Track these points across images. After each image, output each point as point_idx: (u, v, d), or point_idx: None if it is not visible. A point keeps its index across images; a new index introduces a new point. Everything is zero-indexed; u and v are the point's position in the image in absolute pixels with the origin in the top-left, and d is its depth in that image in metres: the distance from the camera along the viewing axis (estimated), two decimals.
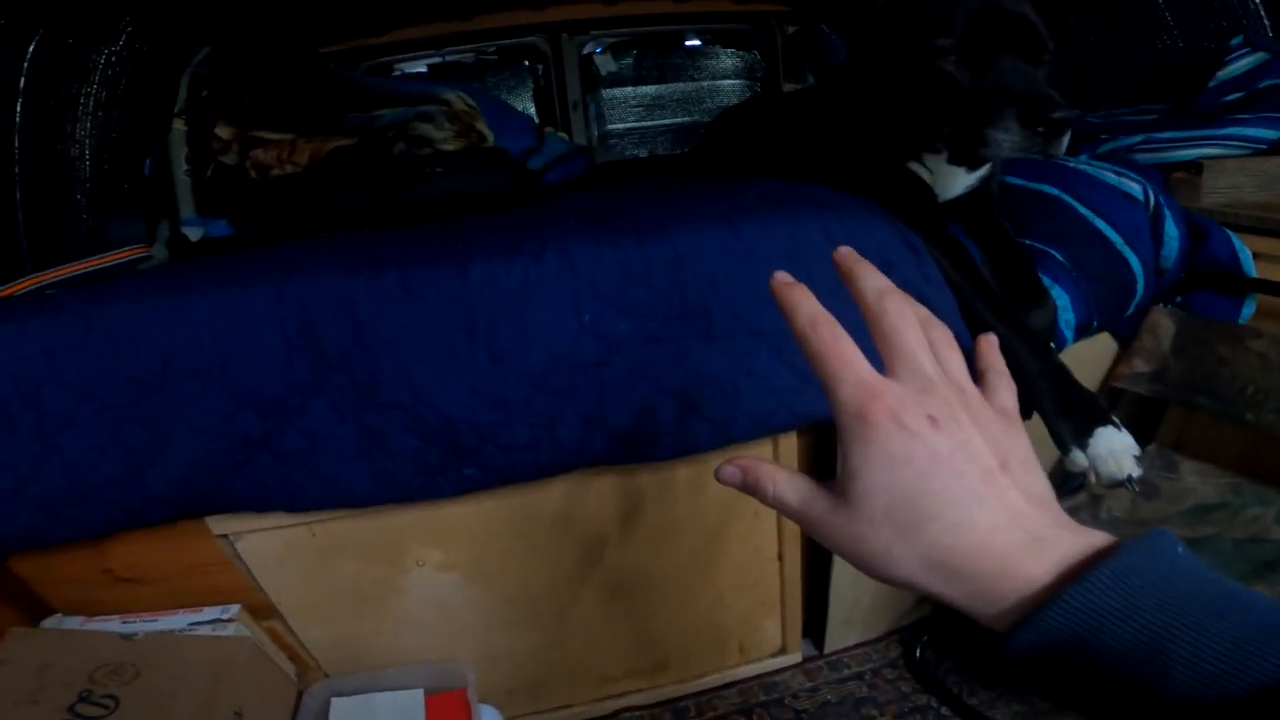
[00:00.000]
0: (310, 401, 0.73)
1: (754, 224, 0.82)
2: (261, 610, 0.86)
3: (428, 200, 1.20)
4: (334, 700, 0.91)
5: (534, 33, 1.83)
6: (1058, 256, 0.92)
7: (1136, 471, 0.71)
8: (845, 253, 0.34)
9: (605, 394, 0.78)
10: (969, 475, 0.28)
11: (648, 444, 0.81)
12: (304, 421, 0.73)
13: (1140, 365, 1.01)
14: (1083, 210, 0.96)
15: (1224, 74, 1.16)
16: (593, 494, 0.91)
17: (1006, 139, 0.75)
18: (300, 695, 0.89)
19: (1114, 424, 0.74)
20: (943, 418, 0.28)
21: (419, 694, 0.93)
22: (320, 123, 1.33)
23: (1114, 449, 0.72)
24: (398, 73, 1.81)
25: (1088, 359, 1.03)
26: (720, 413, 0.81)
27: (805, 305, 0.31)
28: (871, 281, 0.32)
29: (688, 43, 2.15)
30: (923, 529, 0.27)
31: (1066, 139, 0.75)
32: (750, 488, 0.32)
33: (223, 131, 1.26)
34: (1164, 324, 1.00)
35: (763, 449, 0.92)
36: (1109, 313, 0.95)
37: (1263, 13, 1.17)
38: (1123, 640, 0.24)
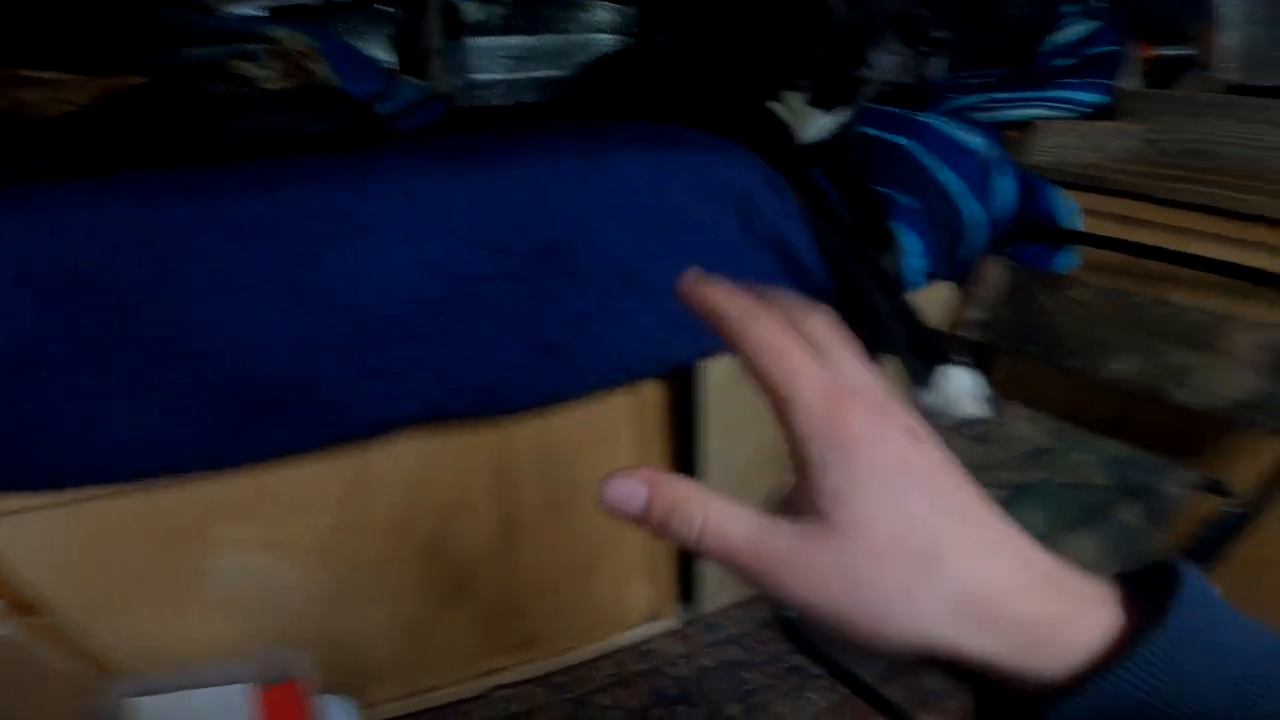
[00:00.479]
0: (59, 354, 0.59)
1: (618, 158, 0.77)
2: (29, 607, 0.71)
3: (247, 139, 1.04)
4: (139, 701, 0.79)
5: None
6: (910, 203, 0.94)
7: (985, 412, 0.73)
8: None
9: (450, 336, 0.71)
10: (971, 489, 0.22)
11: (501, 394, 0.74)
12: (51, 378, 0.59)
13: (974, 313, 1.05)
14: (925, 160, 0.99)
15: (1056, 39, 1.22)
16: (439, 456, 0.83)
17: (889, 60, 0.73)
18: (93, 698, 0.76)
19: (964, 364, 0.75)
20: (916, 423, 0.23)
21: (244, 689, 0.82)
22: (112, 62, 1.13)
23: (963, 388, 0.73)
24: (235, 13, 1.58)
25: (936, 306, 1.06)
26: (582, 358, 0.76)
27: (734, 309, 0.23)
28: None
29: None
30: (949, 559, 0.21)
31: (946, 62, 0.75)
32: (662, 518, 0.22)
33: None
34: (995, 274, 1.04)
35: (626, 399, 0.88)
36: (945, 259, 0.98)
37: None
38: (1206, 701, 0.19)
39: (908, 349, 0.76)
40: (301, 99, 1.17)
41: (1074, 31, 1.21)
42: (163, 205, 0.62)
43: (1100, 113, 1.16)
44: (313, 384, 0.65)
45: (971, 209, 0.99)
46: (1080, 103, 1.15)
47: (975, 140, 1.02)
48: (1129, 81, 1.19)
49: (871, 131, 1.05)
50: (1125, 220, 1.01)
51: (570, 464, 0.91)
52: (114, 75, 1.09)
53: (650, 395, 0.89)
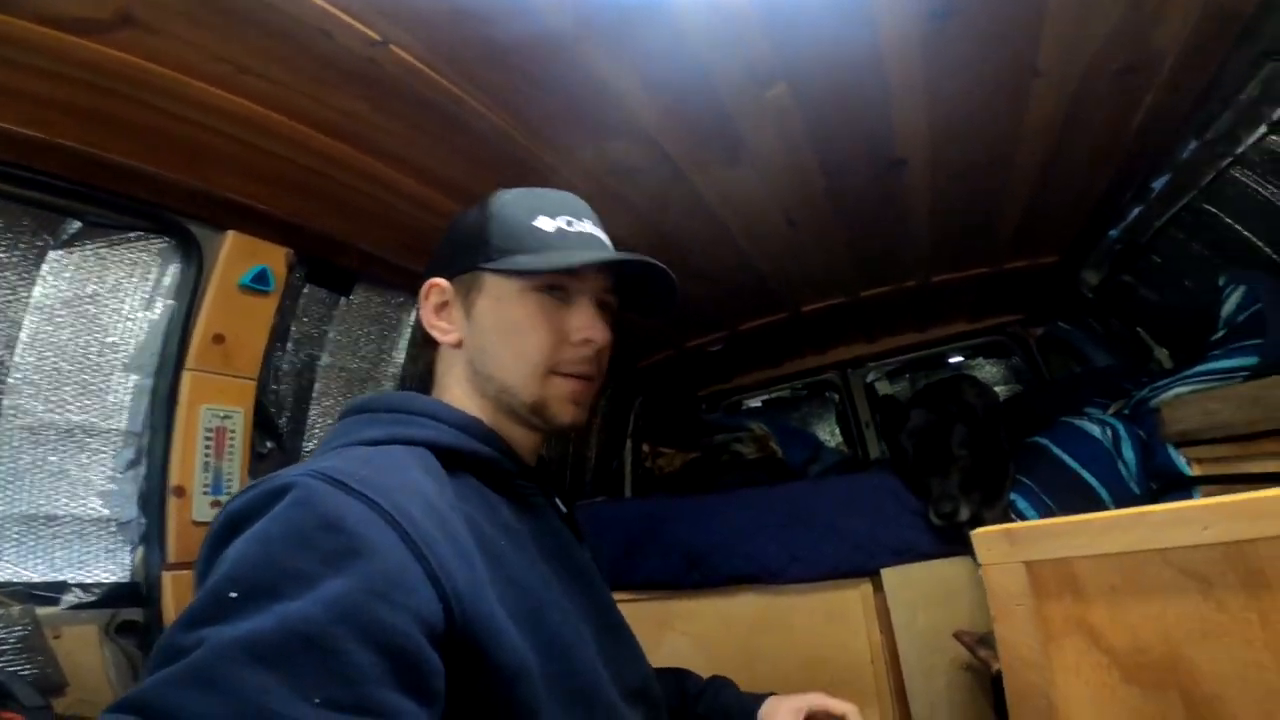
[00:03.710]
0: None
1: (859, 478, 1.70)
2: None
3: (739, 480, 2.30)
4: None
5: (826, 370, 2.89)
6: (1026, 482, 1.51)
7: None
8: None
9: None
10: None
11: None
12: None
13: None
14: (1054, 449, 1.52)
15: (1221, 315, 1.50)
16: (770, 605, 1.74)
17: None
18: None
19: None
20: None
21: None
22: (688, 443, 2.62)
23: None
24: (745, 407, 3.05)
25: None
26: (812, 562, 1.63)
27: None
28: None
29: (951, 359, 2.92)
30: None
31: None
32: None
33: (646, 448, 2.64)
34: None
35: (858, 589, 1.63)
36: (1078, 512, 1.44)
37: None
38: None
39: None
40: (763, 463, 2.41)
41: (1230, 304, 1.48)
42: (707, 499, 1.83)
43: (1270, 366, 1.37)
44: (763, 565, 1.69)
45: (1089, 477, 1.45)
46: (1223, 371, 1.43)
47: (1096, 430, 1.50)
48: None
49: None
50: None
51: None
52: (689, 451, 2.54)
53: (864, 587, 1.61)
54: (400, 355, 1.66)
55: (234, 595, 0.48)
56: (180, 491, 1.20)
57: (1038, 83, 1.14)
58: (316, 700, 0.45)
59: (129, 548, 1.20)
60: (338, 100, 1.02)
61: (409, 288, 1.61)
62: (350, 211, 1.31)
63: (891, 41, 1.03)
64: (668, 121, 1.19)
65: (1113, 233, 1.86)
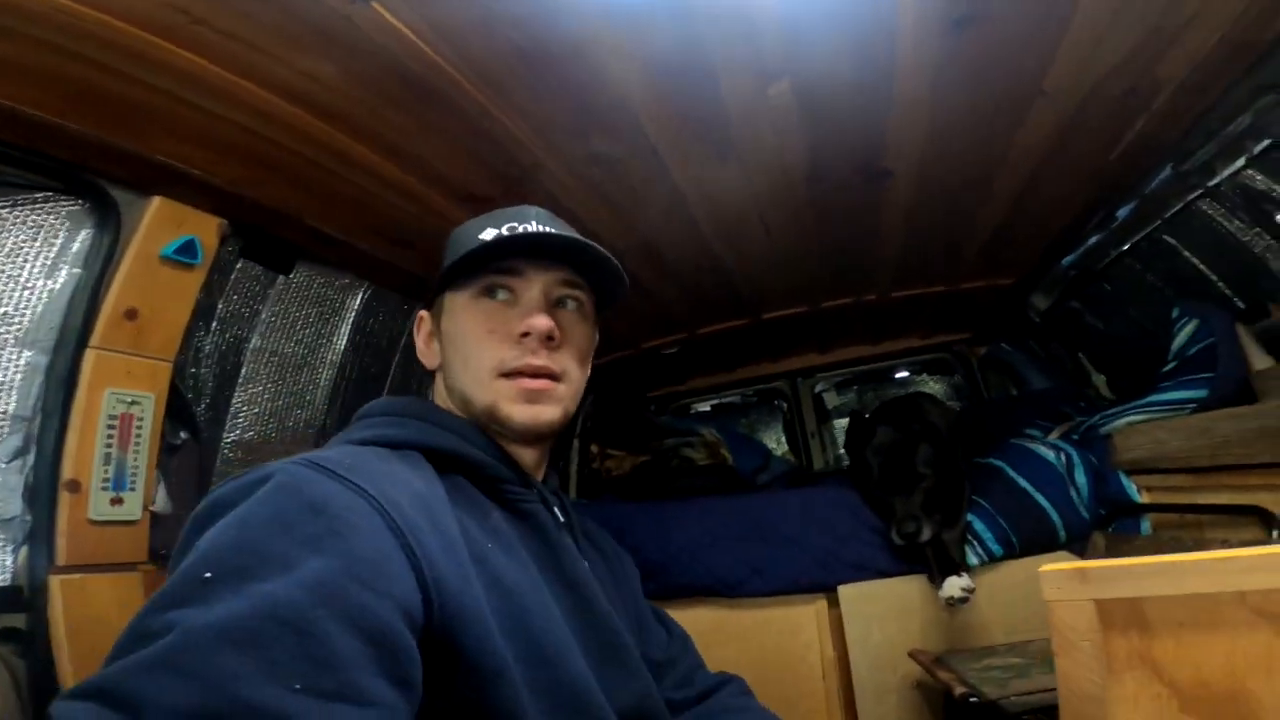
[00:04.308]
0: None
1: (813, 492, 1.67)
2: None
3: (689, 487, 2.25)
4: None
5: (777, 379, 2.89)
6: (982, 503, 1.51)
7: (959, 596, 1.27)
8: None
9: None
10: None
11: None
12: None
13: None
14: (1010, 472, 1.53)
15: (1172, 347, 1.55)
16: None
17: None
18: None
19: (958, 574, 1.31)
20: None
21: None
22: (638, 446, 2.54)
23: (952, 585, 1.29)
24: (694, 411, 3.01)
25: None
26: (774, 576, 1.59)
27: None
28: None
29: (897, 374, 2.97)
30: None
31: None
32: None
33: (594, 449, 2.55)
34: (1099, 542, 1.42)
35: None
36: (1031, 537, 1.47)
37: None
38: None
39: (935, 565, 1.33)
40: (713, 470, 2.35)
41: (1182, 336, 1.53)
42: (663, 506, 1.76)
43: (1219, 400, 1.42)
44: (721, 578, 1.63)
45: (1048, 503, 1.47)
46: (1173, 402, 1.47)
47: (1050, 454, 1.51)
48: (1260, 361, 1.42)
49: (979, 459, 1.65)
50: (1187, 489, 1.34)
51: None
52: (639, 454, 2.46)
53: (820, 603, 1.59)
54: (342, 341, 1.51)
55: (208, 576, 0.46)
56: (75, 486, 1.04)
57: (1040, 102, 1.13)
58: (296, 686, 0.43)
59: (10, 548, 1.03)
60: (302, 61, 0.89)
61: (357, 269, 1.47)
62: (299, 183, 1.17)
63: (907, 50, 0.98)
64: (661, 111, 1.11)
65: (1067, 259, 1.90)
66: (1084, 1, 0.91)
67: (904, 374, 2.94)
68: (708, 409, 3.03)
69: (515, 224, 0.75)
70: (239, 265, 1.27)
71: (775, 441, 3.00)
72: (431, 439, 0.68)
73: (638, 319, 2.13)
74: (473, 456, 0.69)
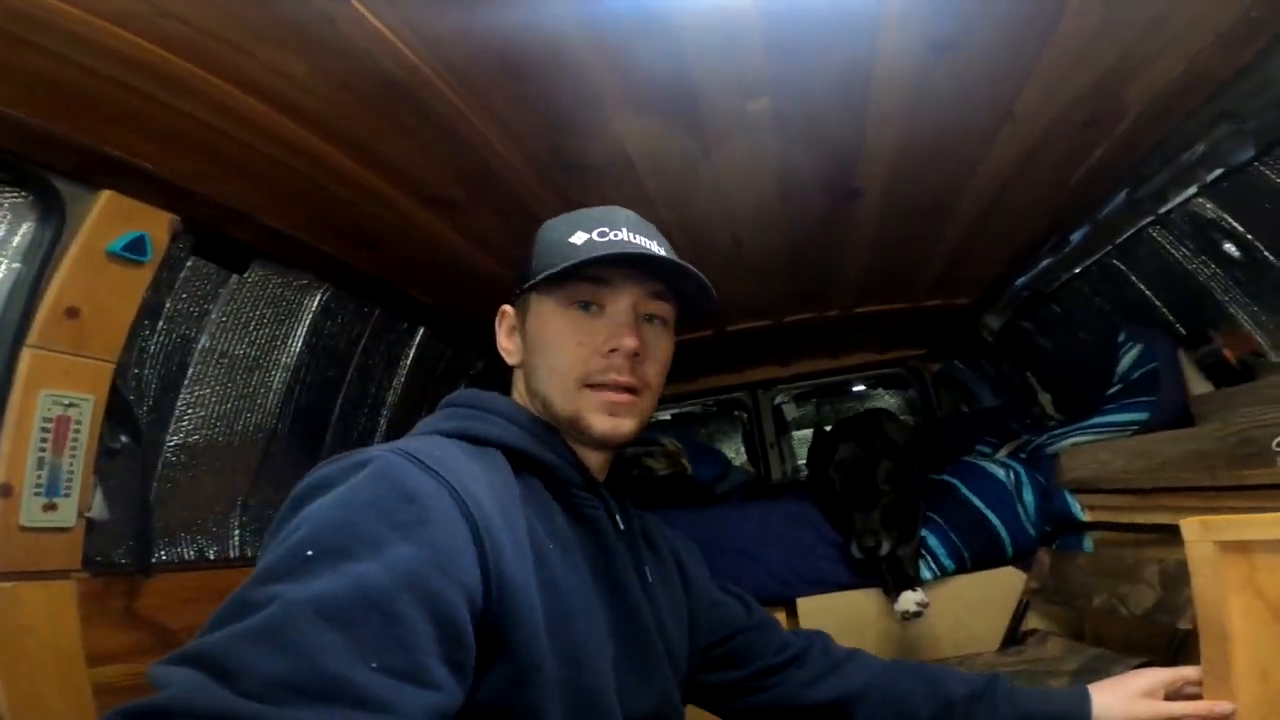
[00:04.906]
0: None
1: (777, 504, 1.67)
2: None
3: (648, 498, 2.23)
4: None
5: (738, 390, 2.90)
6: (936, 519, 1.54)
7: (913, 609, 1.29)
8: None
9: None
10: None
11: None
12: None
13: (1033, 584, 1.46)
14: (963, 489, 1.57)
15: (1117, 371, 1.62)
16: None
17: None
18: None
19: (913, 588, 1.33)
20: None
21: None
22: None
23: (908, 599, 1.31)
24: (654, 419, 3.00)
25: (1007, 583, 1.51)
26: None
27: None
28: None
29: (855, 388, 3.02)
30: None
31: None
32: None
33: None
34: (1044, 559, 1.47)
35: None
36: (981, 552, 1.50)
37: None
38: None
39: (891, 580, 1.36)
40: (673, 480, 2.34)
41: (1126, 360, 1.60)
42: None
43: (1159, 423, 1.49)
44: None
45: (992, 517, 1.52)
46: (1116, 424, 1.54)
47: (1001, 472, 1.56)
48: (1199, 387, 1.49)
49: (934, 476, 1.69)
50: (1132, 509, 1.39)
51: None
52: None
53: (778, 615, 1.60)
54: (298, 343, 1.46)
55: (310, 554, 0.49)
56: (7, 490, 0.98)
57: (1007, 126, 1.16)
58: (374, 665, 0.46)
59: None
60: (272, 58, 0.85)
61: (316, 269, 1.42)
62: (257, 180, 1.12)
63: (885, 68, 1.00)
64: (638, 122, 1.10)
65: (1020, 281, 1.97)
66: (1061, 29, 0.93)
67: (861, 388, 3.00)
68: (668, 418, 3.02)
69: (605, 229, 0.75)
70: (189, 263, 1.21)
71: (734, 452, 3.02)
72: (511, 438, 0.70)
73: None
74: (546, 459, 0.72)
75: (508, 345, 0.81)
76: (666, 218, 1.41)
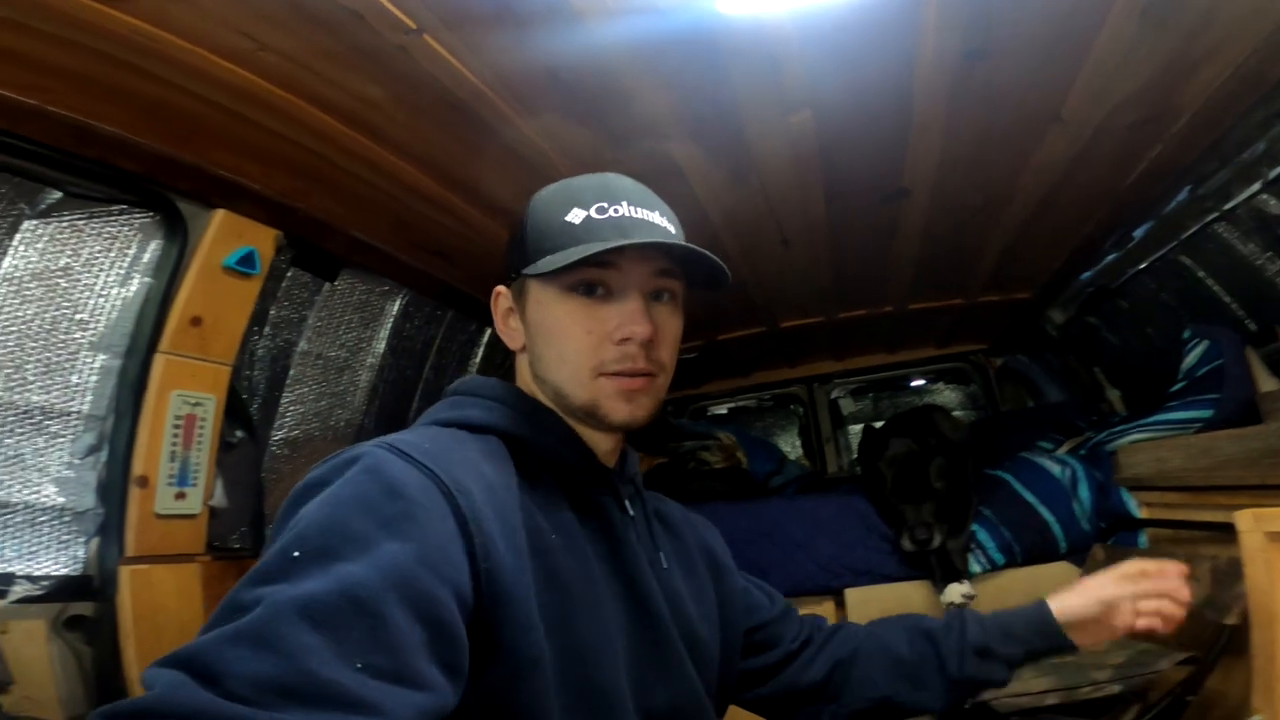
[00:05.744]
0: None
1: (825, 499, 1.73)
2: None
3: (703, 490, 2.30)
4: None
5: (794, 384, 2.93)
6: (987, 513, 1.56)
7: (959, 601, 1.32)
8: None
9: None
10: None
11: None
12: None
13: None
14: (1015, 484, 1.58)
15: (1182, 368, 1.58)
16: None
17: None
18: None
19: (960, 581, 1.36)
20: None
21: None
22: (656, 447, 2.60)
23: (954, 591, 1.34)
24: (710, 413, 3.06)
25: (1059, 578, 1.52)
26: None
27: None
28: None
29: (913, 383, 3.00)
30: None
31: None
32: None
33: None
34: (1099, 554, 1.47)
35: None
36: (1032, 547, 1.51)
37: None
38: None
39: (939, 572, 1.39)
40: (729, 474, 2.41)
41: (1191, 357, 1.56)
42: None
43: (1224, 420, 1.45)
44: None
45: (1051, 516, 1.52)
46: (1179, 421, 1.50)
47: (1056, 469, 1.56)
48: (1267, 384, 1.45)
49: (989, 471, 1.70)
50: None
51: None
52: (656, 456, 2.53)
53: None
54: (382, 344, 1.60)
55: (297, 555, 0.49)
56: (144, 482, 1.13)
57: (1055, 129, 1.17)
58: (359, 665, 0.45)
59: (83, 539, 1.12)
60: (357, 86, 0.97)
61: (397, 276, 1.56)
62: (345, 196, 1.25)
63: (923, 78, 1.04)
64: (685, 135, 1.18)
65: (1085, 275, 1.94)
66: (1100, 39, 0.96)
67: (920, 382, 2.96)
68: (724, 412, 3.08)
69: (604, 203, 0.69)
70: (289, 273, 1.35)
71: (790, 446, 3.04)
72: (511, 426, 0.68)
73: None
74: (547, 445, 0.69)
75: (505, 329, 0.76)
76: (715, 221, 1.48)
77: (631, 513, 0.75)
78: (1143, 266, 1.73)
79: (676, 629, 0.72)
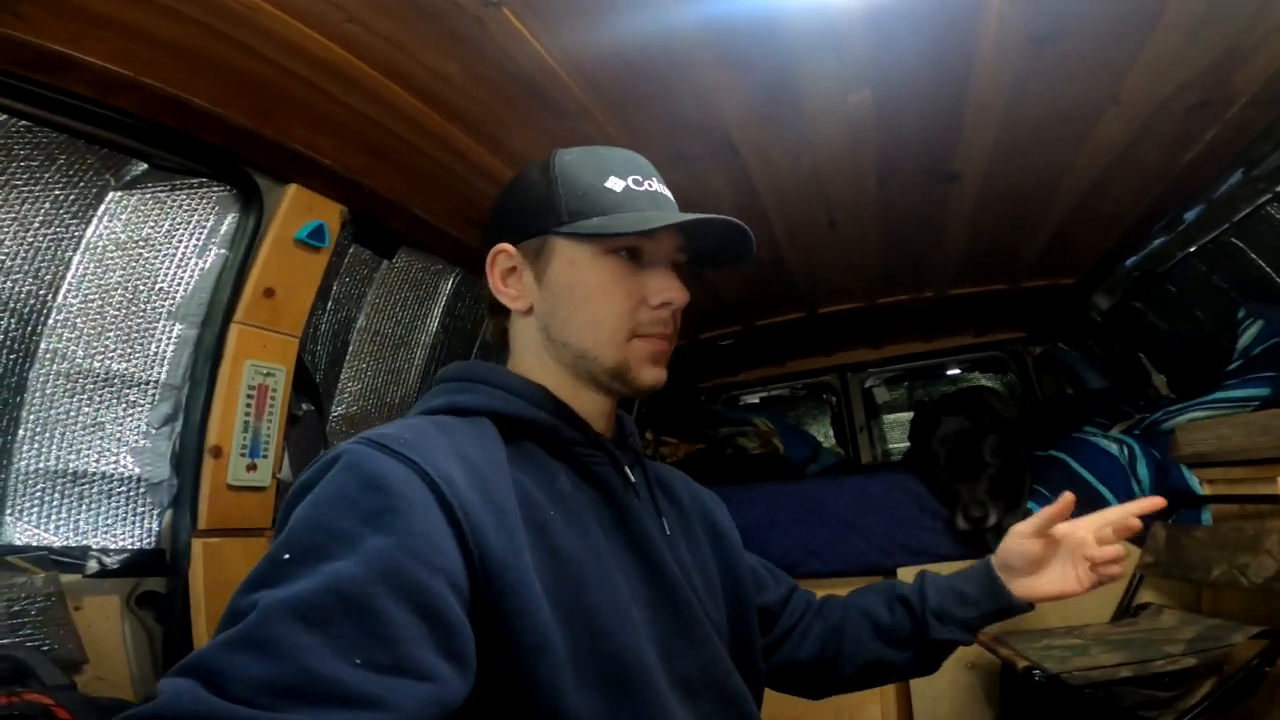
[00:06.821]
0: None
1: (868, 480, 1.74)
2: None
3: (741, 474, 2.32)
4: None
5: (828, 373, 2.93)
6: (1044, 491, 1.55)
7: None
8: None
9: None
10: None
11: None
12: None
13: (1148, 558, 1.47)
14: (1073, 464, 1.57)
15: (1237, 347, 1.58)
16: None
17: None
18: None
19: None
20: None
21: None
22: (692, 433, 2.62)
23: None
24: (743, 402, 3.08)
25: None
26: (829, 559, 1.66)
27: None
28: None
29: (949, 371, 2.99)
30: None
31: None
32: None
33: (649, 435, 2.64)
34: (1159, 533, 1.46)
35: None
36: None
37: None
38: None
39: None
40: (765, 459, 2.42)
41: (1247, 336, 1.57)
42: (721, 490, 1.83)
43: (1266, 403, 1.46)
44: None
45: (1105, 492, 1.51)
46: (1237, 399, 1.50)
47: (1114, 447, 1.55)
48: None
49: (1042, 452, 1.69)
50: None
51: None
52: (694, 442, 2.55)
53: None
54: (435, 323, 1.63)
55: (286, 557, 0.50)
56: (218, 451, 1.14)
57: (1113, 110, 1.17)
58: (357, 661, 0.46)
59: (157, 511, 1.14)
60: (431, 59, 0.99)
61: (450, 255, 1.59)
62: (409, 173, 1.28)
63: (985, 62, 1.04)
64: (744, 115, 1.19)
65: (1131, 260, 1.92)
66: (1163, 21, 0.96)
67: (955, 371, 2.96)
68: (756, 400, 3.09)
69: (639, 177, 0.71)
70: (351, 249, 1.39)
71: (823, 436, 3.05)
72: (498, 405, 0.67)
73: (697, 310, 2.21)
74: (540, 420, 0.68)
75: (509, 289, 0.72)
76: (766, 198, 1.49)
77: (633, 479, 0.74)
78: (1192, 249, 1.72)
79: (692, 593, 0.71)
